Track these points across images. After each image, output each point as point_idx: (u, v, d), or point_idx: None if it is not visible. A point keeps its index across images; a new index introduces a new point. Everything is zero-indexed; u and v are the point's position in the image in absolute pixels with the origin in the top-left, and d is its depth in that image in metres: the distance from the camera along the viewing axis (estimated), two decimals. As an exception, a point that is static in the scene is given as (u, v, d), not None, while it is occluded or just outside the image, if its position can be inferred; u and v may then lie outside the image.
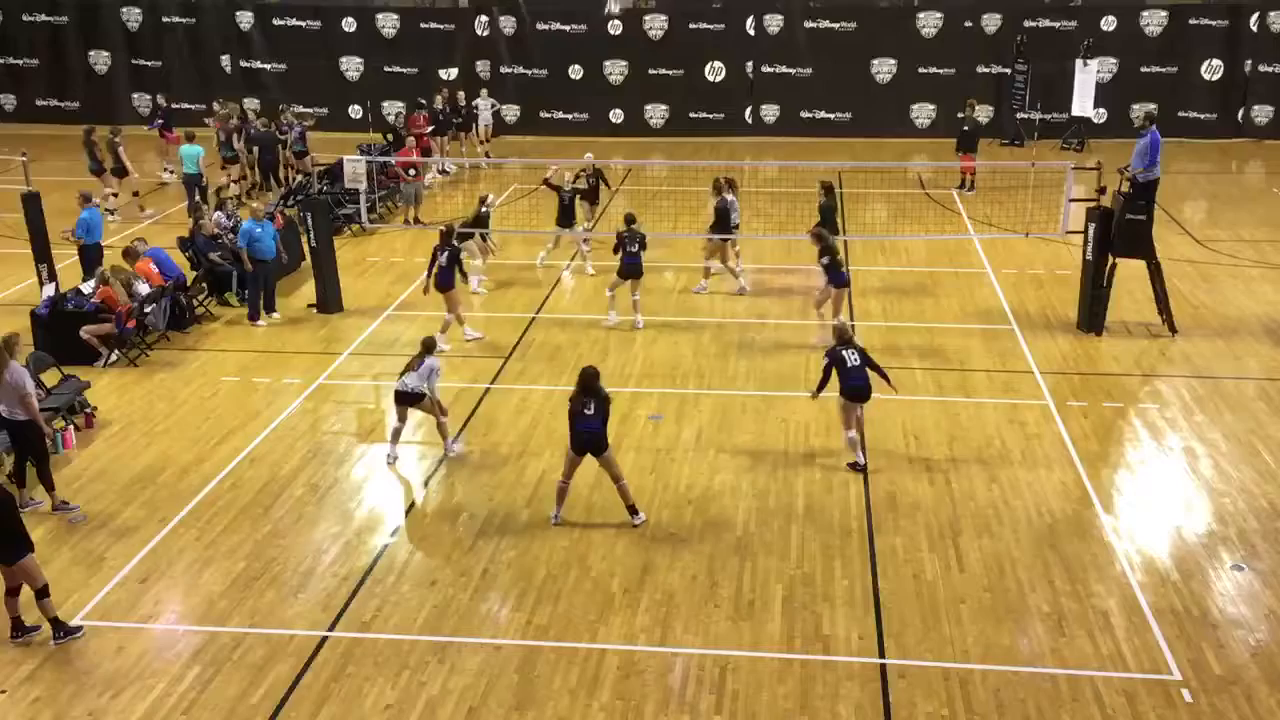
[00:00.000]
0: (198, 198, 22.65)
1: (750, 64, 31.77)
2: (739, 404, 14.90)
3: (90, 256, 18.58)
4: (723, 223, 18.84)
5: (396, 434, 13.48)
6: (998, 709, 9.28)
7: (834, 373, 12.86)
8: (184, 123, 31.61)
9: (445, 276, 16.46)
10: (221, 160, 25.32)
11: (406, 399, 13.13)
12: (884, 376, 13.07)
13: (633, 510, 12.05)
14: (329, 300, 18.43)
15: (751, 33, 31.56)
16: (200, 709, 9.41)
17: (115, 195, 23.93)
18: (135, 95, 33.66)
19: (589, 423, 11.65)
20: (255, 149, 25.51)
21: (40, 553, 10.44)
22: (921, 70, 31.38)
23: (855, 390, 12.88)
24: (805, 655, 9.94)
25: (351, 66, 32.89)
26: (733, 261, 19.13)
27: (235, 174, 25.19)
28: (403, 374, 13.15)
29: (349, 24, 32.49)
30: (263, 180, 25.64)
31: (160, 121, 28.39)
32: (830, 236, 16.85)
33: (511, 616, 10.55)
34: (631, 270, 17.21)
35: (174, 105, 30.51)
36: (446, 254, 16.43)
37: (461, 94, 28.97)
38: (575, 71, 32.26)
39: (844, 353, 12.88)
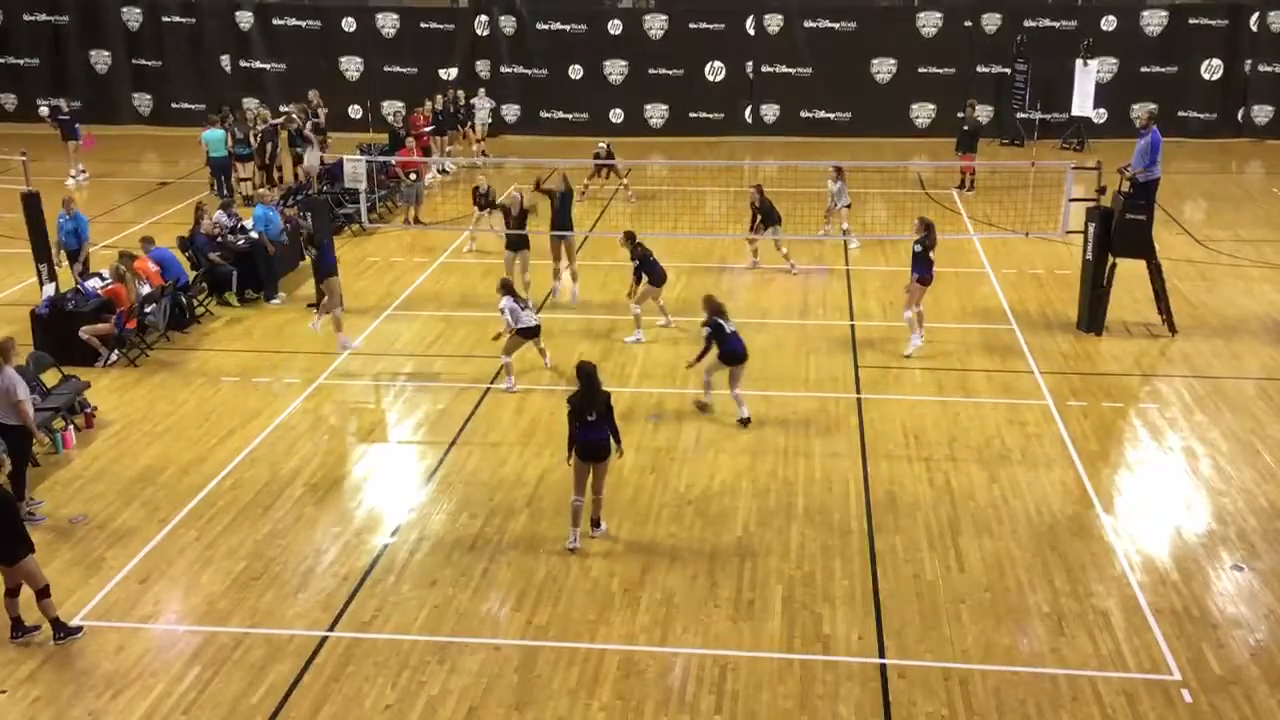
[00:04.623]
0: (224, 188, 23.77)
1: (750, 64, 31.77)
2: (739, 404, 14.90)
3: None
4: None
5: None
6: (998, 709, 9.28)
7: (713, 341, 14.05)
8: (185, 122, 31.92)
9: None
10: (235, 157, 25.36)
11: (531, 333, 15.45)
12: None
13: (596, 523, 11.83)
14: (329, 300, 18.40)
15: (751, 33, 31.56)
16: (200, 709, 9.42)
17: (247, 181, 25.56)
18: (135, 95, 33.75)
19: (596, 431, 11.32)
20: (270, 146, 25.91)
21: (40, 553, 10.43)
22: (921, 70, 31.38)
23: (732, 354, 14.12)
24: (805, 655, 9.95)
25: (351, 66, 32.89)
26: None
27: (248, 171, 25.59)
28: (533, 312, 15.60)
29: (349, 24, 32.49)
30: (266, 176, 25.91)
31: (52, 117, 27.70)
32: (639, 240, 17.06)
33: (511, 616, 10.55)
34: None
35: (74, 107, 29.64)
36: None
37: (462, 93, 28.96)
38: (575, 71, 32.26)
39: (722, 323, 14.06)
